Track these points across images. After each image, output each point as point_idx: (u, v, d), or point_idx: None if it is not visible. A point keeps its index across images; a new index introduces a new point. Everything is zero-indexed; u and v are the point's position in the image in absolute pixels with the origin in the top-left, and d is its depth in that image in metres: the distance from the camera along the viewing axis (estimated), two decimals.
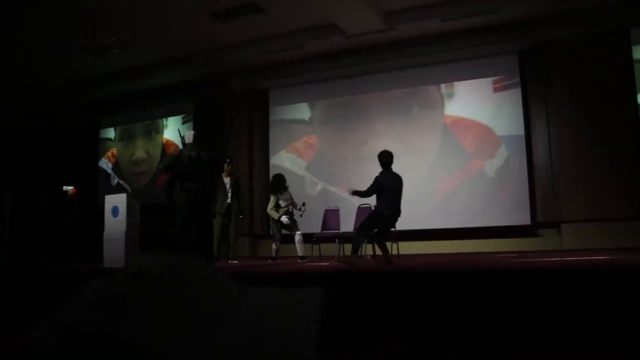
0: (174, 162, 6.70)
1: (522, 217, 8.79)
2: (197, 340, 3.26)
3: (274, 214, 7.97)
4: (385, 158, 6.58)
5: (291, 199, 8.12)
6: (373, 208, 6.54)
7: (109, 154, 12.84)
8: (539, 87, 8.99)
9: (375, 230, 6.51)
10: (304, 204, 8.05)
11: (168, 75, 11.23)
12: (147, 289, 3.39)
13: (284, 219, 7.91)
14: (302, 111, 10.87)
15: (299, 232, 7.94)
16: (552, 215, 8.65)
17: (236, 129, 11.08)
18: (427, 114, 9.78)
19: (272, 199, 8.04)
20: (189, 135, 6.93)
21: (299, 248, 7.88)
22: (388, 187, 6.42)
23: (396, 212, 6.44)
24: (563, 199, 8.42)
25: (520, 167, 8.92)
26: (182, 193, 6.57)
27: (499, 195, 8.99)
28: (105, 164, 12.81)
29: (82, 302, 3.63)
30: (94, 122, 13.04)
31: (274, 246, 8.05)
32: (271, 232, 8.22)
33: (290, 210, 8.08)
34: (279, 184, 8.12)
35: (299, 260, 7.79)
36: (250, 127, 11.07)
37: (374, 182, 6.49)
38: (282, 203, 8.00)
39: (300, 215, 8.19)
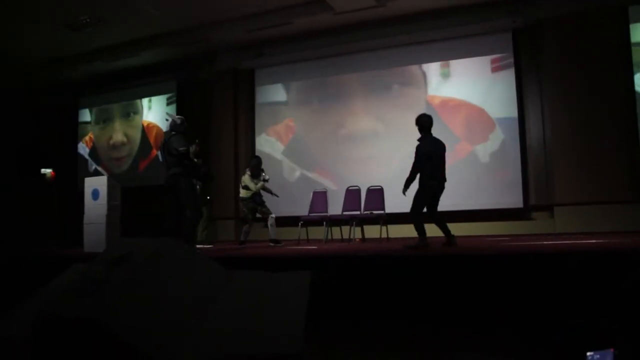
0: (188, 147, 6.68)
1: (514, 200, 8.69)
2: (180, 326, 3.14)
3: (246, 193, 7.87)
4: (427, 122, 5.95)
5: (263, 182, 7.91)
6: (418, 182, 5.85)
7: (86, 138, 12.50)
8: (533, 67, 8.84)
9: (426, 205, 5.87)
10: (266, 180, 7.94)
11: (151, 54, 10.95)
12: (128, 274, 3.24)
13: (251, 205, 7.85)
14: (289, 91, 10.65)
15: (272, 216, 7.78)
16: (545, 198, 8.57)
17: (221, 109, 10.88)
18: (411, 92, 9.61)
19: (246, 180, 7.87)
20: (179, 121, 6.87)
21: (272, 232, 7.71)
22: (434, 153, 5.81)
23: (443, 180, 5.88)
24: (556, 182, 8.32)
25: (513, 149, 8.78)
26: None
27: (492, 177, 8.87)
28: (83, 148, 12.49)
29: (61, 287, 3.47)
30: (73, 102, 12.70)
31: (244, 229, 7.97)
32: (242, 215, 8.08)
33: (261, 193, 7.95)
34: (259, 166, 7.98)
35: (271, 244, 7.63)
36: (235, 107, 10.88)
37: (417, 153, 5.81)
38: (252, 186, 7.81)
39: (277, 196, 8.10)
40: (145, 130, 11.71)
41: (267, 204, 7.97)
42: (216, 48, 10.73)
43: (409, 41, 9.60)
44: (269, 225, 7.73)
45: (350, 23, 9.67)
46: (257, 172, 7.91)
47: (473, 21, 9.05)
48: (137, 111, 11.87)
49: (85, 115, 12.65)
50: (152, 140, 11.60)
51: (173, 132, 6.69)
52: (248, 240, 8.02)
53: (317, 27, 9.81)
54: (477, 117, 9.09)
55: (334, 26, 9.80)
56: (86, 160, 12.38)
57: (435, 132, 6.06)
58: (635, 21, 8.06)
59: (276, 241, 7.69)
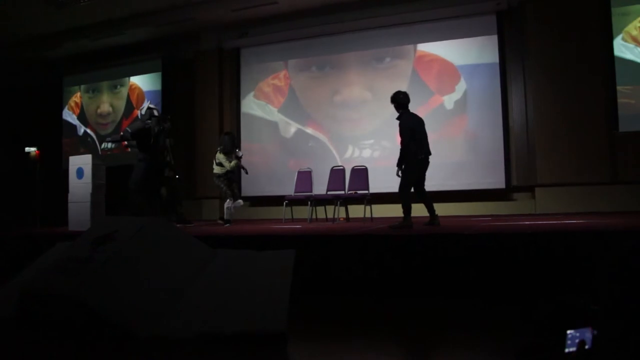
0: (141, 132, 7.38)
1: (497, 181, 8.79)
2: (163, 303, 3.18)
3: (220, 170, 7.77)
4: (404, 98, 6.01)
5: (237, 159, 7.87)
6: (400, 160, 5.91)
7: (71, 104, 12.44)
8: (517, 49, 8.89)
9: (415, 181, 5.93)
10: (239, 157, 7.93)
11: (136, 32, 10.85)
12: (113, 253, 3.27)
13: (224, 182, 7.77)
14: (274, 67, 10.64)
15: (240, 201, 7.87)
16: (526, 180, 8.68)
17: (206, 87, 10.84)
18: (398, 65, 9.66)
19: (220, 157, 7.79)
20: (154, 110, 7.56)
21: (227, 213, 7.73)
22: (417, 127, 5.91)
23: (428, 154, 5.94)
24: (537, 164, 8.43)
25: (496, 131, 8.86)
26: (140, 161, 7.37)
27: (474, 158, 8.96)
28: (69, 115, 12.45)
29: (46, 265, 3.49)
30: (57, 80, 12.56)
31: (227, 204, 7.78)
32: (221, 192, 7.92)
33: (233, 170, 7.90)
34: (232, 142, 7.92)
35: (219, 221, 7.82)
36: (220, 86, 10.83)
37: (403, 129, 5.86)
38: (227, 164, 7.75)
39: (247, 173, 8.18)
40: (129, 97, 11.80)
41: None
42: (201, 27, 10.65)
43: (394, 22, 9.61)
44: (232, 206, 7.72)
45: (336, 3, 9.66)
46: (230, 148, 7.83)
47: (458, 2, 9.09)
48: (124, 83, 11.90)
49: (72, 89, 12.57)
50: (134, 101, 11.73)
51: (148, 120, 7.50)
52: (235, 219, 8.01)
53: (303, 7, 9.78)
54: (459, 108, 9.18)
55: (320, 6, 9.77)
56: (74, 125, 12.38)
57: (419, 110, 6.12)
58: (617, 5, 8.10)
59: (227, 221, 7.71)
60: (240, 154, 7.99)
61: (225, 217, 7.80)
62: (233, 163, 7.73)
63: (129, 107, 11.78)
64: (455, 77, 9.22)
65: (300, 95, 10.33)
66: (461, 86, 9.15)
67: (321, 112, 10.14)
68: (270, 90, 10.58)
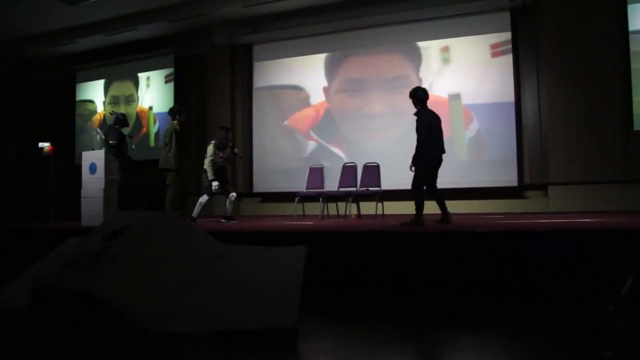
0: (122, 141, 7.95)
1: (509, 179, 8.72)
2: (174, 298, 3.19)
3: (210, 170, 7.43)
4: (422, 95, 6.00)
5: (230, 154, 7.78)
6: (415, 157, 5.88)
7: (94, 121, 12.42)
8: (531, 47, 8.80)
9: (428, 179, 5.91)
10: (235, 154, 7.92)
11: (148, 28, 10.89)
12: (125, 248, 3.29)
13: (215, 184, 7.42)
14: (286, 67, 10.61)
15: (233, 194, 7.66)
16: (539, 178, 8.60)
17: (218, 83, 10.85)
18: (409, 74, 9.58)
19: (212, 152, 7.50)
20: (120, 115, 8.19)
21: (229, 208, 7.59)
22: (434, 125, 5.88)
23: (442, 152, 5.92)
24: (550, 162, 8.35)
25: (509, 129, 8.78)
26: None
27: (487, 156, 8.89)
28: (92, 129, 12.39)
29: (58, 259, 3.52)
30: (70, 76, 12.63)
31: (228, 203, 7.60)
32: (214, 189, 7.49)
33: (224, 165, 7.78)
34: (226, 136, 7.68)
35: (222, 221, 7.54)
36: (232, 82, 10.84)
37: (420, 127, 5.82)
38: (217, 159, 7.54)
39: (241, 157, 8.46)
40: (138, 115, 11.84)
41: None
42: (213, 23, 10.64)
43: (407, 18, 9.52)
44: (228, 202, 7.59)
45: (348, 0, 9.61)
46: (224, 143, 7.61)
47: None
48: (134, 99, 11.92)
49: (87, 92, 12.60)
50: (143, 120, 11.81)
51: (116, 126, 8.03)
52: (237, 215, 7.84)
53: (315, 3, 9.74)
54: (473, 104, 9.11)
55: (332, 3, 9.72)
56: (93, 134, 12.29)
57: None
58: (633, 1, 7.99)
59: (230, 218, 7.55)
60: (236, 150, 7.93)
61: (228, 213, 7.58)
62: (206, 161, 7.44)
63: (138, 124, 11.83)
64: (468, 75, 9.16)
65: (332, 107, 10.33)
66: (474, 83, 9.08)
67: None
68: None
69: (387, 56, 9.74)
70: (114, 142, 7.79)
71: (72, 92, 12.63)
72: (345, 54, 10.06)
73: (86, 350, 2.72)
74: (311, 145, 10.18)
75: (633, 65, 7.95)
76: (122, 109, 11.70)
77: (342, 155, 9.71)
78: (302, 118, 10.34)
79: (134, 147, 11.24)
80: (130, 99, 12.00)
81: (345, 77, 10.03)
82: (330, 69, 10.17)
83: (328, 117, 10.10)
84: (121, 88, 12.12)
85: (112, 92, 12.25)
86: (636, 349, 2.14)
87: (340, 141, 9.90)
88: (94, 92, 12.50)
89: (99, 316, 2.95)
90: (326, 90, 10.17)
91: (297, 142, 10.31)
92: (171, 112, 7.73)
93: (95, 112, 12.42)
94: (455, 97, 9.17)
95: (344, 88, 10.02)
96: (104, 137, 8.16)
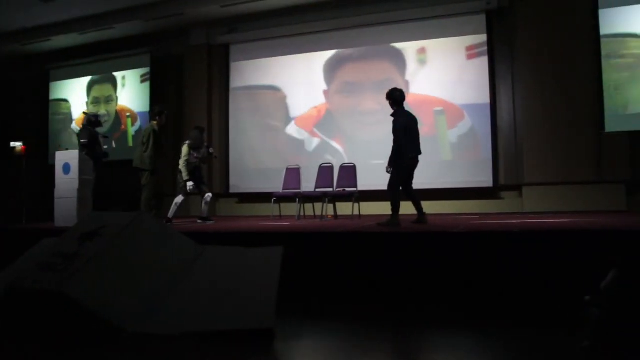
0: (94, 140, 7.90)
1: (485, 180, 8.83)
2: (150, 299, 3.16)
3: (185, 171, 7.42)
4: (399, 96, 6.02)
5: (205, 154, 7.77)
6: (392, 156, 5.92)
7: (78, 121, 12.23)
8: (506, 49, 8.94)
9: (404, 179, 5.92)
10: (211, 154, 7.91)
11: (125, 27, 10.80)
12: (101, 249, 3.25)
13: (190, 185, 7.41)
14: (263, 67, 10.59)
15: (209, 195, 7.66)
16: (514, 179, 8.73)
17: (195, 84, 10.81)
18: (392, 78, 9.62)
19: (187, 152, 7.51)
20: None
21: (205, 209, 7.58)
22: (411, 126, 5.90)
23: (419, 153, 5.94)
24: (525, 163, 8.48)
25: (484, 130, 8.89)
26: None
27: (462, 157, 8.99)
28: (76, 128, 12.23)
29: (32, 261, 3.46)
30: (44, 74, 12.44)
31: (204, 204, 7.57)
32: (189, 189, 7.46)
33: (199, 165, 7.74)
34: (201, 138, 7.73)
35: (198, 221, 7.54)
36: (209, 82, 10.81)
37: (397, 128, 5.84)
38: (192, 160, 7.53)
39: (216, 157, 8.50)
40: (118, 114, 11.68)
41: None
42: (190, 22, 10.61)
43: (384, 20, 9.61)
44: (204, 203, 7.57)
45: (326, 1, 9.65)
46: (199, 143, 7.62)
47: (448, 1, 9.12)
48: (113, 99, 11.78)
49: (61, 91, 12.40)
50: (122, 119, 11.64)
51: (88, 126, 7.96)
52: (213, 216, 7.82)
53: (292, 3, 9.77)
54: (449, 107, 9.20)
55: (309, 3, 9.76)
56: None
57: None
58: (604, 6, 8.13)
59: (206, 218, 7.53)
60: (211, 150, 7.91)
61: (205, 214, 7.55)
62: (181, 161, 7.44)
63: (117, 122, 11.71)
64: (444, 76, 9.24)
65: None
66: (451, 85, 9.17)
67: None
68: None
69: (373, 59, 9.78)
70: (85, 141, 7.73)
71: (46, 91, 12.44)
72: (322, 55, 10.07)
73: (60, 351, 2.68)
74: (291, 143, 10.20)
75: (604, 69, 8.10)
76: (102, 109, 11.58)
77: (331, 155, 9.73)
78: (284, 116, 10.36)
79: (114, 146, 11.17)
80: (110, 99, 11.86)
81: (341, 79, 10.01)
82: (313, 70, 10.18)
83: (328, 116, 10.11)
84: (102, 89, 11.97)
85: (93, 93, 12.09)
86: (613, 337, 2.19)
87: (339, 139, 9.92)
88: (68, 91, 12.32)
89: (74, 318, 2.91)
90: (320, 91, 10.21)
91: (275, 141, 10.31)
92: (151, 112, 7.71)
93: (69, 111, 12.24)
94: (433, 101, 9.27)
95: (339, 89, 10.00)
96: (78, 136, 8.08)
